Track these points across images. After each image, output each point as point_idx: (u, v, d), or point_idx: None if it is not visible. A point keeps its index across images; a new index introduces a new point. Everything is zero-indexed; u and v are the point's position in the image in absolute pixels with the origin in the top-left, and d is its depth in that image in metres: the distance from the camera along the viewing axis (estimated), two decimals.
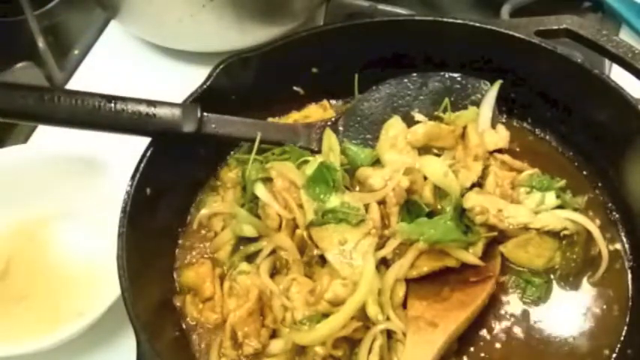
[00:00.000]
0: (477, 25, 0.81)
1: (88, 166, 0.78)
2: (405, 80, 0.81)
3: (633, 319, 0.69)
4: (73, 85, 0.97)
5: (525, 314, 0.70)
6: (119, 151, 0.75)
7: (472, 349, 0.68)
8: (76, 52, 1.01)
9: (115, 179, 0.74)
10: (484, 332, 0.69)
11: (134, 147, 0.70)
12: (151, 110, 0.69)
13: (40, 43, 0.97)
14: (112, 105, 0.68)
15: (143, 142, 0.71)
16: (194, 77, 0.76)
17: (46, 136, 0.89)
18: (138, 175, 0.68)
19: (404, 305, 0.68)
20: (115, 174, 0.76)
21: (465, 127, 0.77)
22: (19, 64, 0.95)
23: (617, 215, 0.76)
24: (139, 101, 0.69)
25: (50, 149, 0.80)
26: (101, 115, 0.68)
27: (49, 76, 0.96)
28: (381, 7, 1.01)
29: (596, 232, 0.72)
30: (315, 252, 0.68)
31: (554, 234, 0.72)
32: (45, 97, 0.67)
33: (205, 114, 0.71)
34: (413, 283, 0.68)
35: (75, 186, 0.79)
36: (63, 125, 0.70)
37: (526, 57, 0.79)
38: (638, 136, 0.73)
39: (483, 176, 0.74)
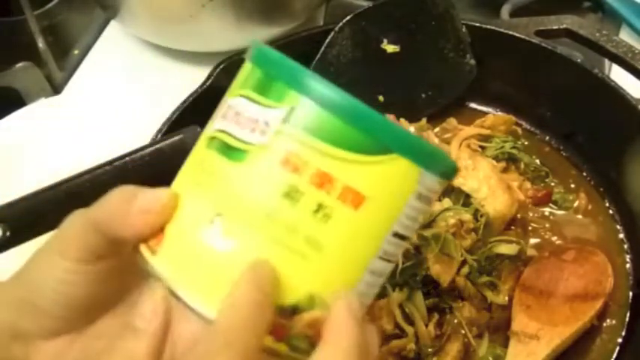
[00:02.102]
0: (477, 25, 0.81)
1: (123, 118, 0.77)
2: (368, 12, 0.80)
3: (632, 325, 0.69)
4: (73, 85, 0.97)
5: None
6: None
7: None
8: (76, 52, 1.01)
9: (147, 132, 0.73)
10: None
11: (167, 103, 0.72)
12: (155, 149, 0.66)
13: (40, 43, 0.97)
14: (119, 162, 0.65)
15: (173, 103, 0.72)
16: (194, 77, 0.76)
17: (79, 87, 0.90)
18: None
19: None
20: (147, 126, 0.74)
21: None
22: (19, 64, 0.94)
23: (617, 215, 0.76)
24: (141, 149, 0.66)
25: (85, 101, 0.80)
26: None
27: (49, 76, 0.95)
28: None
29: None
30: None
31: None
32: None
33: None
34: (520, 292, 0.68)
35: (109, 138, 0.78)
36: None
37: (526, 57, 0.79)
38: (638, 136, 0.73)
39: None
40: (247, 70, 0.36)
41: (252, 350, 0.32)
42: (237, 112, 0.35)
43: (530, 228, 0.74)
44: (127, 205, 0.36)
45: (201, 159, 0.36)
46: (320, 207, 0.33)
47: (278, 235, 0.33)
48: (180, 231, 0.35)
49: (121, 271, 0.39)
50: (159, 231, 0.36)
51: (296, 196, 0.33)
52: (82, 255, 0.37)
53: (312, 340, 0.34)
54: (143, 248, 0.36)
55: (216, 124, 0.36)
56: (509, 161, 0.77)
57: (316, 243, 0.33)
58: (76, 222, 0.37)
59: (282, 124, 0.33)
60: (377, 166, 0.33)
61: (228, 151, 0.34)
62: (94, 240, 0.37)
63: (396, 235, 0.35)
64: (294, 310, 0.33)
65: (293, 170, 0.33)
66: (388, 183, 0.33)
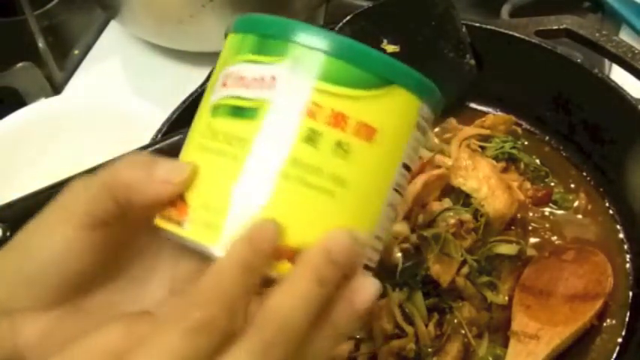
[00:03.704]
0: (477, 24, 0.81)
1: (123, 118, 0.77)
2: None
3: (632, 325, 0.69)
4: (73, 85, 0.97)
5: None
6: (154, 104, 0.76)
7: None
8: (76, 52, 1.01)
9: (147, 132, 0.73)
10: None
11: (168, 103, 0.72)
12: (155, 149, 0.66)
13: (40, 43, 0.97)
14: None
15: (173, 103, 0.72)
16: (194, 77, 0.76)
17: (79, 87, 0.90)
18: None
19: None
20: (147, 126, 0.75)
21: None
22: (19, 64, 0.95)
23: (617, 215, 0.76)
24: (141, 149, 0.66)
25: (85, 101, 0.80)
26: None
27: (49, 76, 0.95)
28: None
29: None
30: None
31: None
32: None
33: None
34: (520, 292, 0.68)
35: (109, 139, 0.78)
36: None
37: (526, 57, 0.79)
38: (638, 136, 0.73)
39: None
40: (237, 40, 0.37)
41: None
42: (241, 76, 0.36)
43: (530, 228, 0.74)
44: (148, 173, 0.36)
45: (210, 128, 0.37)
46: (339, 144, 0.35)
47: (306, 177, 0.35)
48: (209, 197, 0.35)
49: (119, 243, 0.39)
50: (178, 201, 0.36)
51: (316, 138, 0.34)
52: (89, 220, 0.36)
53: None
54: (166, 223, 0.37)
55: (218, 93, 0.37)
56: (509, 161, 0.77)
57: (340, 179, 0.35)
58: (90, 186, 0.37)
59: (289, 75, 0.35)
60: (382, 99, 0.35)
61: (240, 112, 0.35)
62: (104, 205, 0.36)
63: (404, 166, 0.37)
64: None
65: (309, 115, 0.34)
66: (393, 113, 0.36)
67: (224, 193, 0.35)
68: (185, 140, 0.39)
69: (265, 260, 0.34)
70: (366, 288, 0.36)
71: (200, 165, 0.36)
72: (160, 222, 0.37)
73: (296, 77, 0.34)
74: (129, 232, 0.39)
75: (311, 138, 0.34)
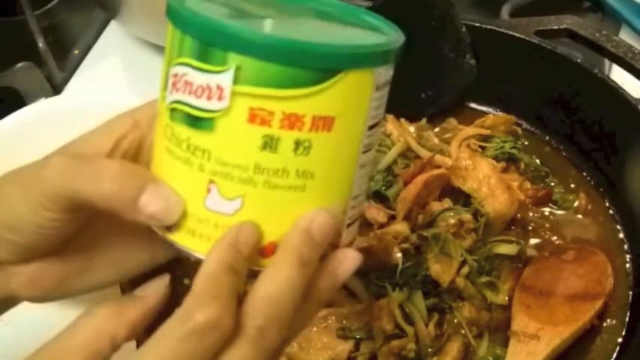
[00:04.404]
0: (477, 24, 0.81)
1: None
2: None
3: (632, 325, 0.69)
4: (73, 85, 0.97)
5: None
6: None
7: None
8: (76, 52, 1.01)
9: None
10: None
11: None
12: None
13: (40, 43, 0.97)
14: None
15: None
16: None
17: (79, 87, 0.90)
18: None
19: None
20: None
21: None
22: (19, 64, 0.94)
23: (617, 215, 0.76)
24: None
25: (84, 101, 0.80)
26: None
27: (49, 76, 0.95)
28: None
29: None
30: None
31: None
32: None
33: None
34: (520, 292, 0.68)
35: None
36: None
37: (526, 57, 0.79)
38: (638, 136, 0.73)
39: None
40: (177, 38, 0.36)
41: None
42: (187, 81, 0.35)
43: (530, 228, 0.74)
44: (133, 198, 0.36)
45: (170, 133, 0.37)
46: (298, 144, 0.35)
47: (273, 180, 0.35)
48: (186, 205, 0.37)
49: (93, 219, 0.40)
50: None
51: (273, 143, 0.35)
52: (68, 209, 0.37)
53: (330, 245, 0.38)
54: (157, 227, 0.38)
55: (171, 94, 0.36)
56: (509, 161, 0.77)
57: (308, 173, 0.35)
58: (71, 179, 0.37)
59: (234, 86, 0.34)
60: (334, 88, 0.35)
61: (195, 122, 0.35)
62: (83, 203, 0.37)
63: (370, 127, 0.37)
64: None
65: (261, 123, 0.34)
66: (349, 96, 0.35)
67: (198, 201, 0.36)
68: (154, 130, 0.39)
69: (249, 260, 0.36)
70: (347, 259, 0.38)
71: (172, 170, 0.37)
72: (155, 229, 0.39)
73: (240, 87, 0.34)
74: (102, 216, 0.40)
75: (269, 144, 0.34)
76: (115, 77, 0.97)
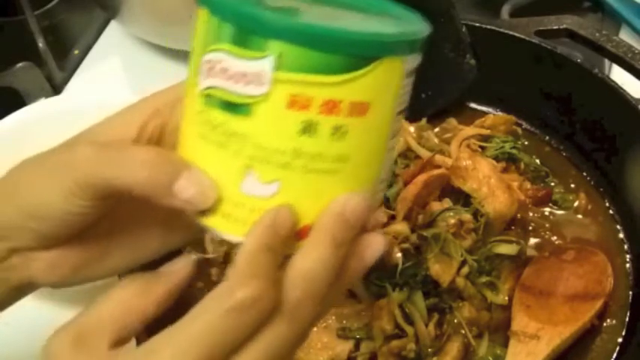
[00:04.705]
0: (477, 24, 0.81)
1: None
2: None
3: (632, 325, 0.69)
4: (73, 85, 0.97)
5: None
6: None
7: None
8: (76, 52, 1.02)
9: None
10: None
11: None
12: None
13: (40, 43, 0.97)
14: None
15: None
16: None
17: (79, 87, 0.90)
18: None
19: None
20: None
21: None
22: (19, 64, 0.94)
23: (617, 215, 0.76)
24: None
25: (84, 101, 0.80)
26: None
27: (49, 76, 0.95)
28: None
29: None
30: None
31: None
32: None
33: None
34: (520, 292, 0.68)
35: None
36: None
37: (526, 57, 0.79)
38: (638, 136, 0.73)
39: None
40: (214, 25, 0.36)
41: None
42: (224, 67, 0.36)
43: (530, 228, 0.74)
44: (168, 183, 0.36)
45: (204, 118, 0.37)
46: (335, 129, 0.36)
47: (310, 164, 0.36)
48: (221, 190, 0.37)
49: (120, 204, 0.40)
50: None
51: (312, 128, 0.35)
52: (99, 196, 0.38)
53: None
54: (191, 212, 0.38)
55: (205, 80, 0.37)
56: (509, 161, 0.77)
57: (343, 157, 0.36)
58: (102, 164, 0.37)
59: (274, 72, 0.35)
60: (369, 75, 0.35)
61: (232, 107, 0.36)
62: (115, 190, 0.37)
63: (398, 113, 0.39)
64: None
65: (301, 108, 0.35)
66: (382, 82, 0.36)
67: (235, 186, 0.36)
68: (182, 118, 0.39)
69: (286, 242, 0.36)
70: (375, 244, 0.39)
71: (206, 155, 0.37)
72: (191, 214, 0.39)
73: (282, 73, 0.35)
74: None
75: (307, 129, 0.35)
76: (115, 77, 0.98)
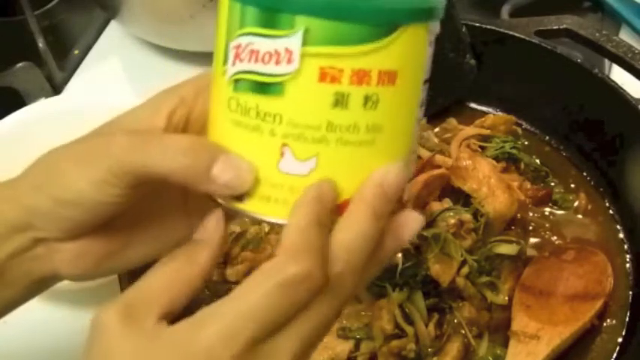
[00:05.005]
0: (477, 24, 0.81)
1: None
2: None
3: (632, 325, 0.69)
4: (73, 85, 0.97)
5: None
6: None
7: None
8: (76, 52, 1.02)
9: None
10: None
11: None
12: None
13: (40, 43, 0.97)
14: None
15: None
16: None
17: (79, 87, 0.90)
18: None
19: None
20: None
21: None
22: (19, 64, 0.94)
23: (617, 215, 0.76)
24: None
25: (84, 101, 0.81)
26: None
27: (49, 76, 0.95)
28: None
29: None
30: None
31: None
32: None
33: None
34: (520, 292, 0.68)
35: None
36: None
37: (526, 57, 0.79)
38: (638, 136, 0.73)
39: None
40: (237, 11, 0.37)
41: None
42: (252, 50, 0.36)
43: (530, 228, 0.74)
44: (205, 168, 0.37)
45: (235, 104, 0.37)
46: (367, 98, 0.36)
47: (345, 137, 0.36)
48: (259, 172, 0.37)
49: (153, 192, 0.41)
50: None
51: (344, 100, 0.36)
52: (134, 185, 0.38)
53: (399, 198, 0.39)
54: (223, 199, 0.38)
55: (234, 66, 0.37)
56: (509, 161, 0.77)
57: (376, 127, 0.37)
58: (134, 162, 0.37)
59: (303, 47, 0.35)
60: (397, 42, 0.36)
61: (264, 88, 0.36)
62: (152, 178, 0.37)
63: (424, 82, 0.39)
64: None
65: (332, 81, 0.35)
66: (409, 50, 0.37)
67: (272, 166, 0.37)
68: (211, 108, 0.39)
69: (331, 216, 0.36)
70: (412, 221, 0.39)
71: (240, 140, 0.38)
72: (217, 197, 0.39)
73: (310, 47, 0.35)
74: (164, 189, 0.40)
75: (340, 101, 0.36)
76: (115, 77, 0.98)
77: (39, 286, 0.43)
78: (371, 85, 0.36)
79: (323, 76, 0.35)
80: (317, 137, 0.36)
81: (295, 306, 0.35)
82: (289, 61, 0.35)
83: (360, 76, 0.36)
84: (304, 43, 0.35)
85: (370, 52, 0.36)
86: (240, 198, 0.38)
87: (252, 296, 0.34)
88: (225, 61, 0.38)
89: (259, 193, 0.37)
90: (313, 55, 0.35)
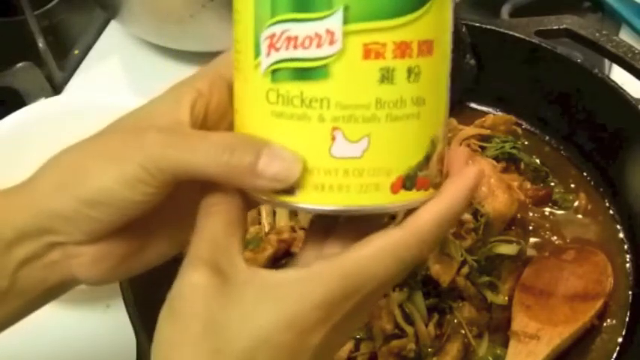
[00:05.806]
0: (477, 24, 0.81)
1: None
2: None
3: (632, 325, 0.69)
4: (73, 85, 0.97)
5: None
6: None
7: None
8: (76, 52, 1.02)
9: None
10: None
11: None
12: None
13: (40, 43, 0.97)
14: None
15: None
16: None
17: (79, 87, 0.91)
18: None
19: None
20: None
21: None
22: (19, 64, 0.95)
23: (617, 215, 0.76)
24: None
25: (84, 101, 0.81)
26: None
27: (49, 76, 0.95)
28: None
29: None
30: None
31: None
32: None
33: None
34: (520, 292, 0.68)
35: None
36: None
37: (526, 57, 0.79)
38: (638, 136, 0.73)
39: None
40: (265, 1, 0.36)
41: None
42: (289, 36, 0.36)
43: (530, 228, 0.74)
44: (251, 163, 0.36)
45: (275, 95, 0.36)
46: (410, 71, 0.36)
47: (393, 112, 0.36)
48: (310, 162, 0.36)
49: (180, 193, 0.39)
50: None
51: (390, 74, 0.36)
52: (169, 183, 0.37)
53: (442, 170, 0.39)
54: (271, 195, 0.37)
55: (269, 57, 0.36)
56: (509, 161, 0.77)
57: (420, 99, 0.37)
58: (172, 159, 0.36)
59: (345, 26, 0.35)
60: (431, 11, 0.36)
61: (307, 74, 0.36)
62: (190, 176, 0.37)
63: (452, 51, 0.39)
64: (427, 159, 0.38)
65: (376, 56, 0.35)
66: (440, 18, 0.37)
67: (323, 153, 0.36)
68: (238, 113, 0.39)
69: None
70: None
71: (285, 131, 0.37)
72: (262, 195, 0.38)
73: (352, 25, 0.35)
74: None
75: (386, 76, 0.35)
76: (115, 77, 0.98)
77: (54, 292, 0.41)
78: (412, 57, 0.36)
79: (367, 53, 0.35)
80: (367, 116, 0.36)
81: (395, 280, 0.38)
82: (332, 42, 0.35)
83: (403, 49, 0.35)
84: (345, 21, 0.35)
85: (409, 23, 0.35)
86: (290, 191, 0.37)
87: (373, 262, 0.36)
88: (257, 54, 0.37)
89: (312, 182, 0.36)
90: (355, 32, 0.35)
